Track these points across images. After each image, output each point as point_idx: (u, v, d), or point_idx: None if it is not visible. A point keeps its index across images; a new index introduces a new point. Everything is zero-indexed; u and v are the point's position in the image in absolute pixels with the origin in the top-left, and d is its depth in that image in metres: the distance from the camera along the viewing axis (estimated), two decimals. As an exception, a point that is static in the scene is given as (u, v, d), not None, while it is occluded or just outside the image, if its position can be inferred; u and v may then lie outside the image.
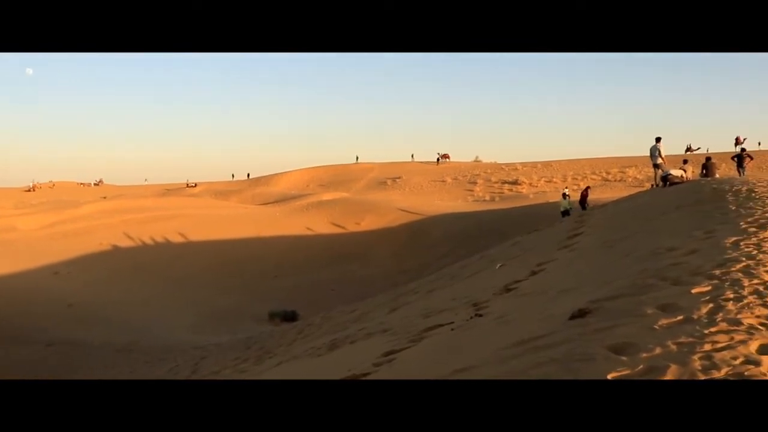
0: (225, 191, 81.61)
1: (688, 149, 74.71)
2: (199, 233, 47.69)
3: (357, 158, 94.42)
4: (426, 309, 12.85)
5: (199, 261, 42.72)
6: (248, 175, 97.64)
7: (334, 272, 41.46)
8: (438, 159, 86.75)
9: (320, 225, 51.36)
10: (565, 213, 27.59)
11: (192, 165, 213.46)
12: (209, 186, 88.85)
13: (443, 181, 72.23)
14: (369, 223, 50.53)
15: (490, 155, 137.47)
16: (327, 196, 61.84)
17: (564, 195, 30.41)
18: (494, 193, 62.95)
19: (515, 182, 65.84)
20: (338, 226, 51.01)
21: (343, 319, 18.56)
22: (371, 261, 43.38)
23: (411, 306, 15.16)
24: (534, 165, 76.65)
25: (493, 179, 69.18)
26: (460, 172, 76.59)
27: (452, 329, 8.94)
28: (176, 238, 47.36)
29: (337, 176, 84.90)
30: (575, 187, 49.52)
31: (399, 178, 77.24)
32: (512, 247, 20.07)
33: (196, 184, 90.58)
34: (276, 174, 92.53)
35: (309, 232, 49.63)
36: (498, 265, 15.53)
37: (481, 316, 9.08)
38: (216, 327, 31.25)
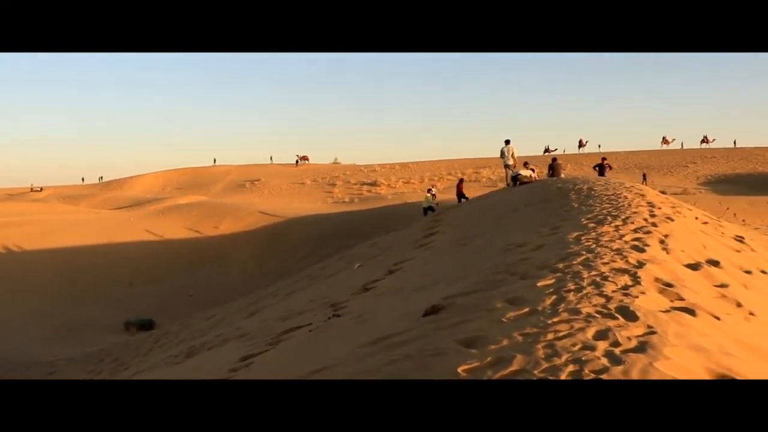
0: (74, 196, 77.68)
1: (547, 150, 78.87)
2: (46, 241, 44.94)
3: (215, 161, 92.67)
4: (285, 311, 12.78)
5: (46, 270, 40.25)
6: (100, 178, 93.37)
7: (192, 278, 40.38)
8: (297, 161, 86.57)
9: (177, 229, 49.86)
10: (428, 209, 28.05)
11: (37, 167, 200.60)
12: (57, 190, 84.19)
13: (302, 183, 72.16)
14: (227, 226, 49.62)
15: (349, 157, 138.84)
16: (183, 200, 60.21)
17: (429, 190, 31.05)
18: (353, 194, 63.58)
19: (374, 183, 66.81)
20: (195, 230, 49.74)
21: (200, 326, 18.12)
22: (230, 265, 42.61)
23: (270, 309, 15.02)
24: (392, 166, 78.14)
25: (352, 181, 69.87)
26: (320, 174, 76.83)
27: (310, 330, 8.93)
28: (21, 247, 44.41)
29: (194, 179, 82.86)
30: (442, 186, 50.91)
31: (258, 180, 76.45)
32: (370, 247, 20.32)
33: (41, 189, 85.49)
34: (130, 177, 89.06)
35: (165, 237, 48.05)
36: (356, 266, 15.67)
37: (339, 316, 9.12)
38: (66, 340, 29.57)
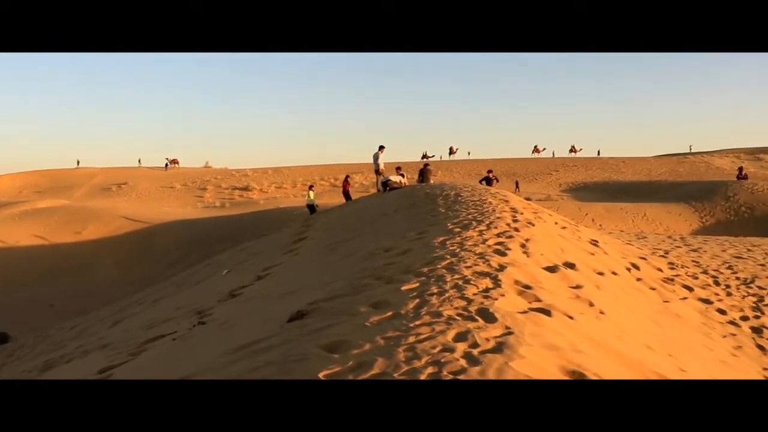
0: None
1: (424, 156, 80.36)
2: None
3: (78, 163, 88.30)
4: (150, 320, 12.32)
5: None
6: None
7: (53, 287, 38.17)
8: (167, 164, 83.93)
9: (34, 236, 47.13)
10: (311, 208, 27.63)
11: None
12: None
13: (172, 188, 70.03)
14: (91, 232, 47.34)
15: (220, 161, 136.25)
16: (43, 204, 56.89)
17: (310, 188, 30.64)
18: (225, 199, 62.33)
19: (246, 188, 65.80)
20: (56, 236, 47.19)
21: (60, 338, 17.16)
22: (95, 273, 40.65)
23: (135, 318, 14.45)
24: (265, 171, 77.26)
25: (224, 185, 68.53)
26: (190, 177, 74.87)
27: (174, 339, 8.64)
28: None
29: (56, 182, 78.61)
30: (317, 190, 50.63)
31: (125, 184, 73.54)
32: (240, 252, 19.98)
33: None
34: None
35: (22, 243, 45.30)
36: (225, 272, 15.35)
37: (204, 323, 8.88)
38: None
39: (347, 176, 31.42)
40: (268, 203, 55.46)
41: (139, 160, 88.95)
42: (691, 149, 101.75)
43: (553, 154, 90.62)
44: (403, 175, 23.56)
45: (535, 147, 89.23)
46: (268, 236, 21.94)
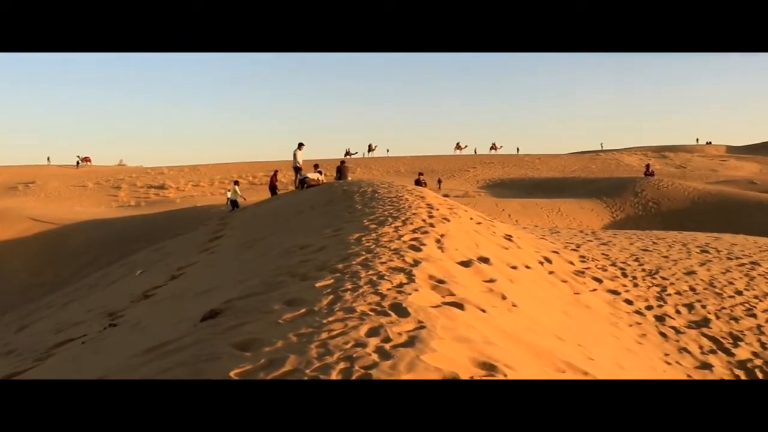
0: None
1: (347, 153, 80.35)
2: None
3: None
4: (59, 323, 11.90)
5: None
6: None
7: (-47, 291, 36.46)
8: (78, 162, 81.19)
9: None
10: (234, 203, 27.05)
11: None
12: None
13: (84, 186, 67.73)
14: (-4, 233, 45.39)
15: (135, 159, 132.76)
16: (-59, 204, 54.21)
17: (236, 183, 29.83)
18: (140, 198, 60.72)
19: (162, 187, 64.28)
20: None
21: (-39, 344, 16.39)
22: (1, 277, 39.01)
23: (43, 322, 13.92)
24: (181, 169, 75.71)
25: (139, 184, 66.76)
26: (103, 176, 72.60)
27: (83, 342, 8.37)
28: None
29: (-44, 181, 75.01)
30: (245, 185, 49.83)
31: (33, 183, 70.67)
32: (154, 252, 19.53)
33: None
34: None
35: None
36: (139, 272, 14.97)
37: (115, 325, 8.64)
38: None
39: (275, 171, 31.05)
40: (185, 202, 54.34)
41: (48, 158, 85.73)
42: (602, 147, 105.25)
43: (475, 151, 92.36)
44: (320, 172, 23.55)
45: (458, 144, 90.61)
46: (184, 235, 21.52)
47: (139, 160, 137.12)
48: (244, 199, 28.52)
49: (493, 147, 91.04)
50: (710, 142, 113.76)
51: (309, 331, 4.59)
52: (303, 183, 22.35)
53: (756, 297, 11.31)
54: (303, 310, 5.26)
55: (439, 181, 59.02)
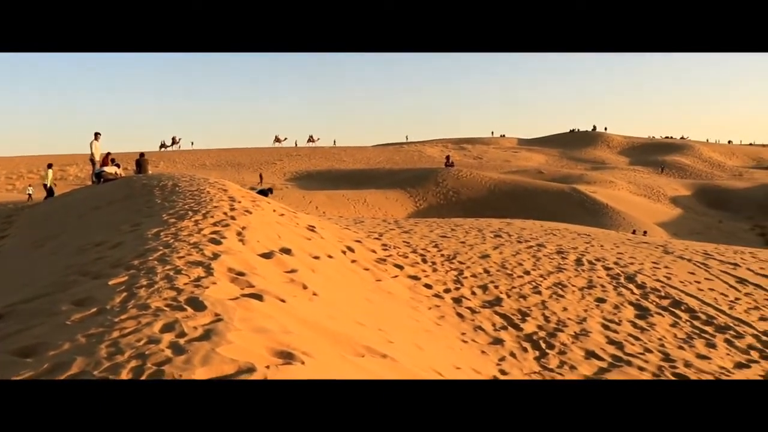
0: None
1: (174, 141, 77.19)
2: None
3: None
4: None
5: None
6: None
7: None
8: None
9: None
10: (50, 191, 24.60)
11: None
12: None
13: None
14: None
15: None
16: None
17: (49, 166, 27.09)
18: None
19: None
20: None
21: None
22: None
23: None
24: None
25: None
26: None
27: None
28: None
29: None
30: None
31: None
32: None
33: None
34: None
35: None
36: None
37: None
38: None
39: (112, 160, 28.87)
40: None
41: None
42: (407, 139, 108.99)
43: (296, 143, 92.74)
44: (118, 166, 22.48)
45: (276, 137, 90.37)
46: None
47: None
48: (55, 185, 26.42)
49: (311, 139, 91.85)
50: (504, 135, 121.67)
51: (99, 331, 4.40)
52: (99, 177, 21.23)
53: (541, 276, 12.29)
54: (94, 310, 5.02)
55: (261, 177, 58.68)
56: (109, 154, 24.14)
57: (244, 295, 5.55)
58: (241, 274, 6.32)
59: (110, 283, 5.88)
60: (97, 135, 24.08)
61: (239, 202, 11.06)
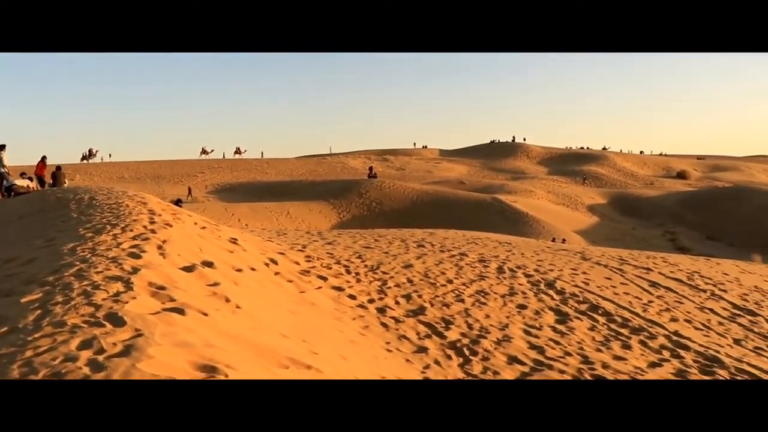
0: None
1: (91, 154, 74.97)
2: None
3: None
4: None
5: None
6: None
7: None
8: None
9: None
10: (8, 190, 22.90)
11: None
12: None
13: None
14: None
15: None
16: None
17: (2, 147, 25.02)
18: None
19: None
20: None
21: None
22: None
23: None
24: None
25: None
26: None
27: None
28: None
29: None
30: None
31: None
32: None
33: None
34: None
35: None
36: None
37: None
38: None
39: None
40: None
41: None
42: (331, 151, 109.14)
43: (224, 155, 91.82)
44: (31, 179, 21.72)
45: (203, 149, 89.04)
46: None
47: None
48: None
49: (238, 151, 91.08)
50: (426, 146, 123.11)
51: (11, 351, 4.24)
52: (10, 191, 20.44)
53: (464, 284, 12.47)
54: (5, 329, 4.83)
55: (189, 190, 57.65)
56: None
57: (165, 310, 5.44)
58: (162, 288, 6.20)
59: (23, 300, 5.67)
60: (2, 147, 22.99)
61: (159, 215, 10.84)
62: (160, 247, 8.22)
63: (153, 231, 9.27)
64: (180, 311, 5.46)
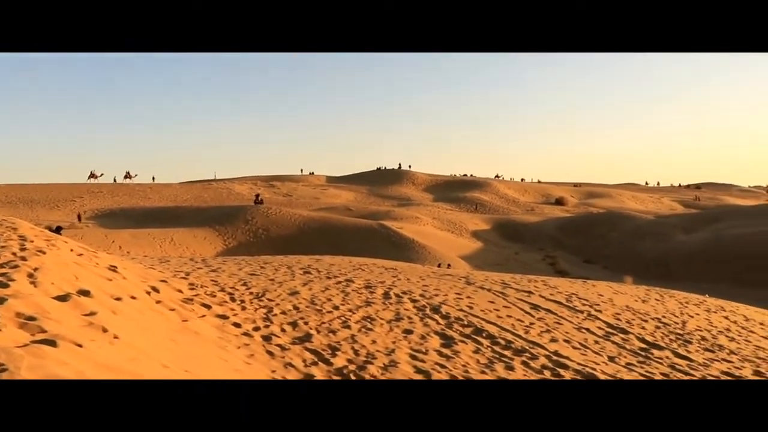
0: None
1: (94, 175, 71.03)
2: None
3: None
4: None
5: None
6: None
7: None
8: None
9: None
10: None
11: None
12: None
13: None
14: None
15: None
16: None
17: None
18: None
19: None
20: None
21: None
22: None
23: None
24: None
25: None
26: None
27: None
28: None
29: None
30: None
31: None
32: None
33: None
34: None
35: None
36: None
37: None
38: None
39: None
40: None
41: None
42: (216, 176, 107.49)
43: (115, 179, 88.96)
44: None
45: (92, 172, 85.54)
46: None
47: None
48: None
49: (128, 176, 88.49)
50: (312, 173, 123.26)
51: None
52: None
53: (350, 310, 12.47)
54: None
55: (79, 216, 55.21)
56: None
57: (34, 342, 5.14)
58: (32, 318, 5.86)
59: None
60: None
61: (31, 241, 10.29)
62: (31, 275, 7.79)
63: (23, 258, 8.78)
64: (51, 343, 5.17)
